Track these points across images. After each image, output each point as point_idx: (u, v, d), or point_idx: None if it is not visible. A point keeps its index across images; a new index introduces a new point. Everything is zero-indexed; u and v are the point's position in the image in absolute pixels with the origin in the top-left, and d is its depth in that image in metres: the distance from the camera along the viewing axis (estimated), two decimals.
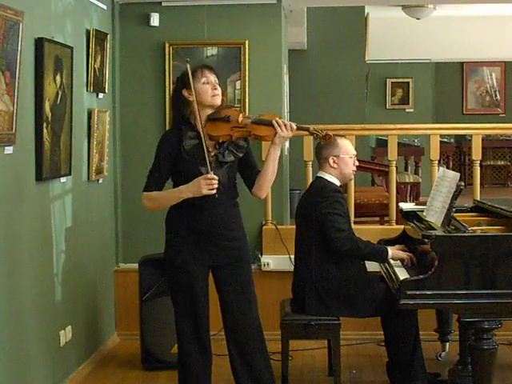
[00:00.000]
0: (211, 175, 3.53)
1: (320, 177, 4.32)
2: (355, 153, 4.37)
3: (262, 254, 5.38)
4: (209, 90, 3.65)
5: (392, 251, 4.19)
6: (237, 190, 3.79)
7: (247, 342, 3.77)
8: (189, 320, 3.74)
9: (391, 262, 4.19)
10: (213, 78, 3.68)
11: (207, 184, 3.53)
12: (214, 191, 3.54)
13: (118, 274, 5.51)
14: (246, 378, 3.78)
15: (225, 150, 3.68)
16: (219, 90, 3.68)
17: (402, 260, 4.19)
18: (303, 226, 4.31)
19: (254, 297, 3.82)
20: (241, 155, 3.73)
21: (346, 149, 4.29)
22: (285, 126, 3.62)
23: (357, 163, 4.37)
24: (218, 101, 3.67)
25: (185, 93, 3.66)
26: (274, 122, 3.62)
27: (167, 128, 5.45)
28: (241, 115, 3.66)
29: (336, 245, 4.13)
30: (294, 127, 3.64)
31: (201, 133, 3.58)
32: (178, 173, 3.69)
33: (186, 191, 3.59)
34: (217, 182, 3.54)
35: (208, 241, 3.70)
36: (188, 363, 3.78)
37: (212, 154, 3.66)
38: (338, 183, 4.31)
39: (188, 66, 3.62)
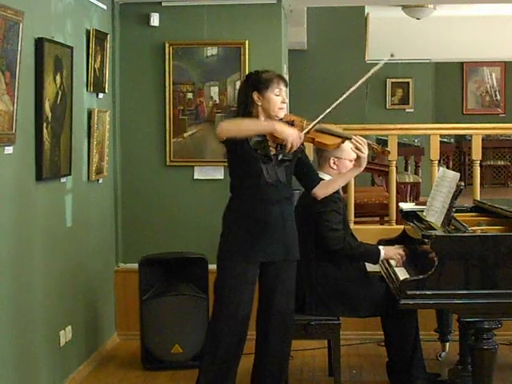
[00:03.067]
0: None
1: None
2: (355, 157, 4.37)
3: None
4: (278, 103, 3.77)
5: (384, 252, 4.20)
6: (292, 189, 3.91)
7: (281, 337, 3.87)
8: (233, 317, 3.78)
9: (391, 261, 4.20)
10: (285, 91, 3.80)
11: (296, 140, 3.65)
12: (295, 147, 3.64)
13: (118, 273, 5.51)
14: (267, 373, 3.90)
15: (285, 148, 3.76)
16: (286, 104, 3.79)
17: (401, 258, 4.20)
18: (302, 226, 4.30)
19: (294, 295, 3.94)
20: (299, 155, 3.85)
21: (349, 152, 4.29)
22: (364, 144, 3.89)
23: None
24: (282, 114, 3.77)
25: (255, 95, 3.76)
26: (353, 140, 3.86)
27: (167, 128, 5.46)
28: (305, 122, 3.80)
29: (328, 244, 4.15)
30: (366, 142, 3.91)
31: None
32: (239, 162, 3.77)
33: (278, 125, 3.65)
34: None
35: (264, 236, 3.76)
36: (225, 364, 3.82)
37: (272, 153, 3.77)
38: None
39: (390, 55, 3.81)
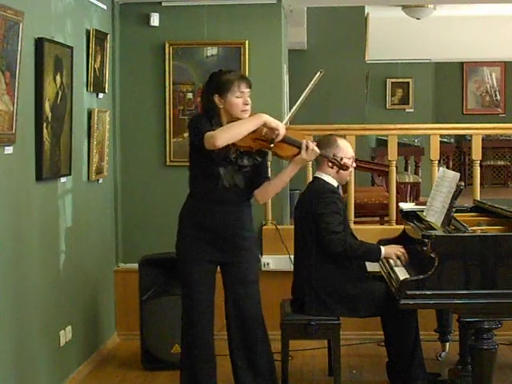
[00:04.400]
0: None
1: (318, 177, 4.32)
2: (354, 155, 4.38)
3: (261, 254, 5.38)
4: (240, 105, 3.70)
5: (385, 250, 4.21)
6: (252, 193, 3.86)
7: (251, 339, 3.84)
8: (194, 315, 3.79)
9: (391, 262, 4.20)
10: (247, 92, 3.73)
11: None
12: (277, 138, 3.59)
13: (118, 273, 5.51)
14: (248, 377, 3.84)
15: (245, 155, 3.74)
16: (250, 105, 3.73)
17: (398, 257, 4.19)
18: (301, 227, 4.32)
19: (259, 295, 3.89)
20: (260, 160, 3.79)
21: (346, 150, 4.29)
22: (311, 149, 3.70)
23: (354, 165, 4.39)
24: (247, 116, 3.71)
25: (216, 98, 3.71)
26: (303, 144, 3.69)
27: (167, 128, 5.46)
28: (265, 128, 3.69)
29: (329, 247, 4.15)
30: (318, 152, 3.74)
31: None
32: (199, 164, 3.74)
33: (265, 117, 3.64)
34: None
35: (219, 237, 3.77)
36: (194, 361, 3.82)
37: (233, 156, 3.71)
38: (335, 184, 4.32)
39: (319, 74, 3.72)
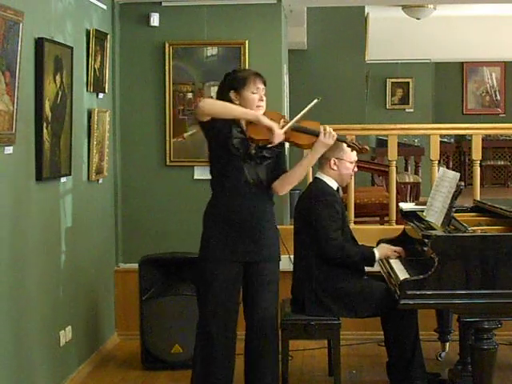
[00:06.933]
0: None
1: (318, 178, 4.33)
2: (356, 158, 4.38)
3: None
4: (255, 101, 3.72)
5: (378, 253, 4.24)
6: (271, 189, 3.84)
7: (263, 339, 3.81)
8: (219, 318, 3.76)
9: (391, 261, 4.20)
10: (262, 88, 3.76)
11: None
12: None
13: (118, 274, 5.51)
14: (251, 375, 3.84)
15: (264, 147, 3.73)
16: (264, 102, 3.75)
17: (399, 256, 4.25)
18: (301, 228, 4.32)
19: (277, 297, 3.89)
20: (280, 150, 3.81)
21: (349, 154, 4.30)
22: (329, 133, 3.72)
23: (356, 169, 4.40)
24: (261, 113, 3.71)
25: (232, 95, 3.73)
26: (321, 129, 3.72)
27: (167, 127, 5.46)
28: (282, 120, 3.72)
29: (326, 253, 4.16)
30: (335, 135, 3.74)
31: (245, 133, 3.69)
32: (220, 160, 3.73)
33: (263, 117, 3.61)
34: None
35: (245, 235, 3.74)
36: (213, 364, 3.78)
37: (253, 151, 3.72)
38: (335, 186, 4.32)
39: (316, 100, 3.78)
